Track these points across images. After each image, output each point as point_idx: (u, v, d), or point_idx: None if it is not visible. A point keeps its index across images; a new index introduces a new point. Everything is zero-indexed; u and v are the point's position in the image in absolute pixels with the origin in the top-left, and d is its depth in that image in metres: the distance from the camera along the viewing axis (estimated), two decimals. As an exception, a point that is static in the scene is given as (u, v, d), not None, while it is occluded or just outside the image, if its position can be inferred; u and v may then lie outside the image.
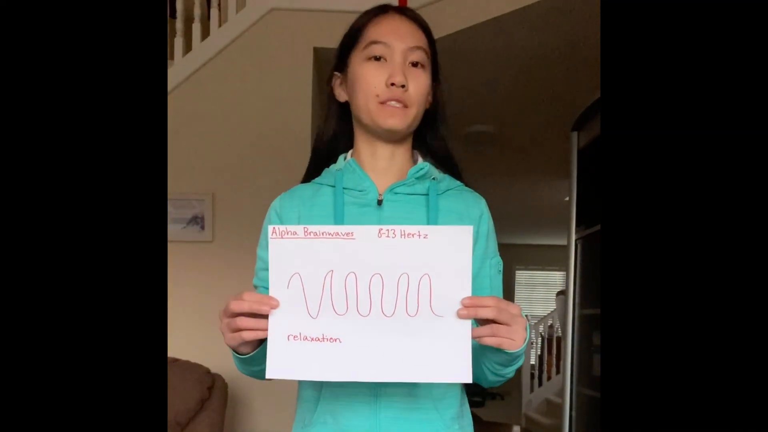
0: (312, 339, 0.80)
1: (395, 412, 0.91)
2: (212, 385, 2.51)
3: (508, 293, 9.27)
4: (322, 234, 0.80)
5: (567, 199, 2.48)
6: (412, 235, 0.79)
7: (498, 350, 0.84)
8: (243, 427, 2.90)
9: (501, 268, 1.02)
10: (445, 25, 2.74)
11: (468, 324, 0.80)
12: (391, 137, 0.99)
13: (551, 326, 6.46)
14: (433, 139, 1.05)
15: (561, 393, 2.51)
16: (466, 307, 0.79)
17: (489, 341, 0.81)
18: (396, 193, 0.98)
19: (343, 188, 0.97)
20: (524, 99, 3.60)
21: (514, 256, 9.27)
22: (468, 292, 0.79)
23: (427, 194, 0.98)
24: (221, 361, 2.68)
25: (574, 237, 2.41)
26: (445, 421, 0.93)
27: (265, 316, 0.80)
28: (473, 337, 0.80)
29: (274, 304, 0.80)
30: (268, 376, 0.82)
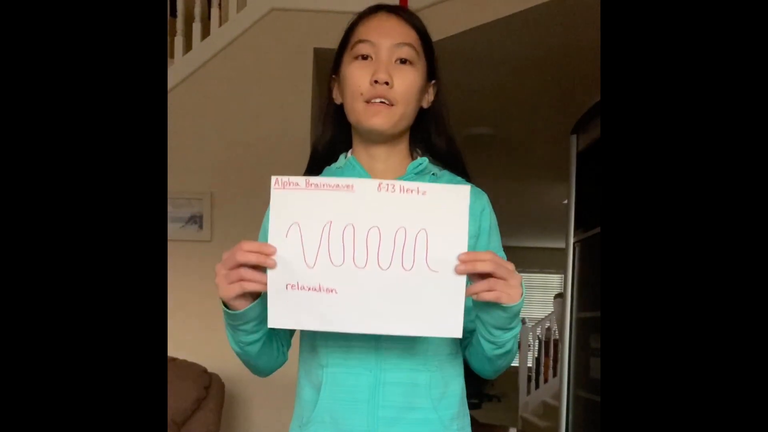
0: (309, 288, 0.80)
1: (394, 412, 0.90)
2: (209, 385, 2.51)
3: (506, 295, 9.24)
4: (323, 186, 0.80)
5: (565, 202, 2.48)
6: (411, 191, 0.80)
7: (495, 311, 0.83)
8: (240, 426, 2.90)
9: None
10: (445, 27, 2.74)
11: (462, 280, 0.80)
12: (378, 138, 0.98)
13: (548, 329, 6.46)
14: (437, 138, 1.03)
15: (558, 395, 2.51)
16: (463, 262, 0.80)
17: (486, 296, 0.81)
18: None
19: None
20: (523, 101, 3.60)
21: (512, 259, 9.21)
22: (464, 249, 0.80)
23: None
24: (218, 361, 2.68)
25: (572, 240, 2.42)
26: (443, 421, 0.93)
27: (265, 270, 0.80)
28: (470, 294, 0.81)
29: (273, 251, 0.80)
30: (270, 325, 0.82)
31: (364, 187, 0.80)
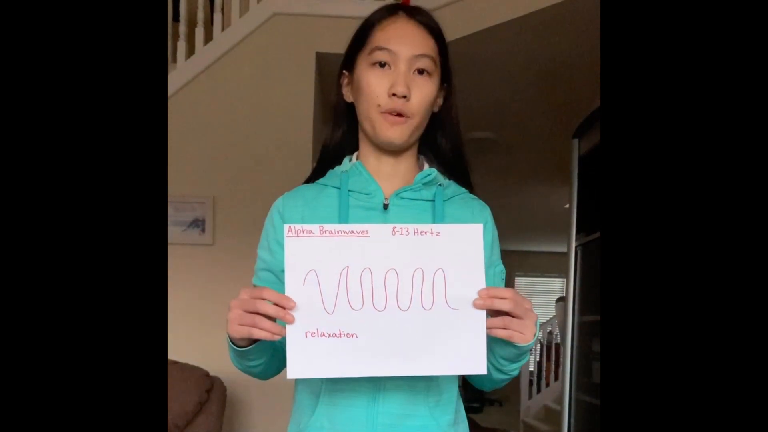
0: (329, 335, 0.80)
1: (391, 419, 0.90)
2: (211, 388, 2.51)
3: (508, 299, 9.24)
4: (338, 232, 0.81)
5: (567, 206, 2.48)
6: (425, 233, 0.82)
7: (506, 344, 0.84)
8: (241, 429, 2.89)
9: (504, 276, 1.00)
10: (447, 31, 2.74)
11: (483, 315, 0.81)
12: (391, 147, 0.98)
13: (550, 333, 6.45)
14: (444, 143, 1.02)
15: (560, 400, 2.51)
16: (482, 297, 0.80)
17: (500, 333, 0.81)
18: (402, 198, 0.96)
19: (349, 190, 0.96)
20: (525, 106, 3.61)
21: (514, 263, 9.26)
22: (483, 285, 0.81)
23: (433, 200, 0.97)
24: (220, 364, 2.68)
25: (574, 243, 2.42)
26: (441, 427, 0.93)
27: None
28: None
29: (293, 306, 0.80)
30: (289, 376, 0.81)
31: (379, 231, 0.81)
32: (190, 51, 3.11)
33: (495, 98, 3.50)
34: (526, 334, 0.82)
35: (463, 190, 1.02)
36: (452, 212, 0.97)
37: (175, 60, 3.14)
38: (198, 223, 2.94)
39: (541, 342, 6.50)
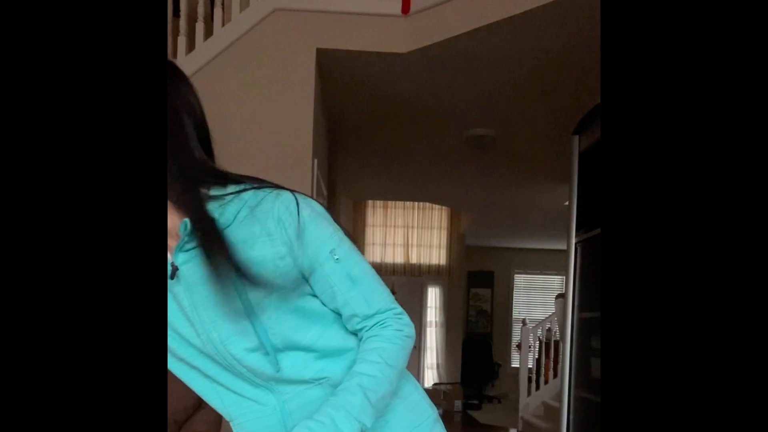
0: None
1: None
2: (210, 384, 2.51)
3: (507, 297, 9.29)
4: None
5: (566, 203, 2.48)
6: None
7: None
8: (240, 426, 2.89)
9: (339, 254, 0.86)
10: (448, 28, 2.75)
11: None
12: None
13: (549, 330, 6.45)
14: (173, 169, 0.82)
15: (558, 397, 2.51)
16: None
17: None
18: (185, 255, 0.83)
19: None
20: (525, 102, 3.60)
21: (513, 260, 9.27)
22: None
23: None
24: (220, 360, 2.68)
25: (574, 240, 2.42)
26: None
27: None
28: None
29: None
30: None
31: None
32: (191, 47, 3.10)
33: (494, 95, 3.50)
34: None
35: (245, 199, 0.86)
36: (240, 236, 0.83)
37: (175, 56, 3.13)
38: (198, 219, 2.93)
39: (540, 339, 6.51)
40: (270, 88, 3.00)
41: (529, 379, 6.40)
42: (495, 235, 8.49)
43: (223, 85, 2.99)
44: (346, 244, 0.88)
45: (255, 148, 2.97)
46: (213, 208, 0.84)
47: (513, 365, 8.61)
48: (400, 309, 0.91)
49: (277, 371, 0.86)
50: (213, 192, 0.86)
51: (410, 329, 0.90)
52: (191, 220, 0.83)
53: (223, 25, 3.06)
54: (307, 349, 0.86)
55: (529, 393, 6.37)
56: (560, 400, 2.45)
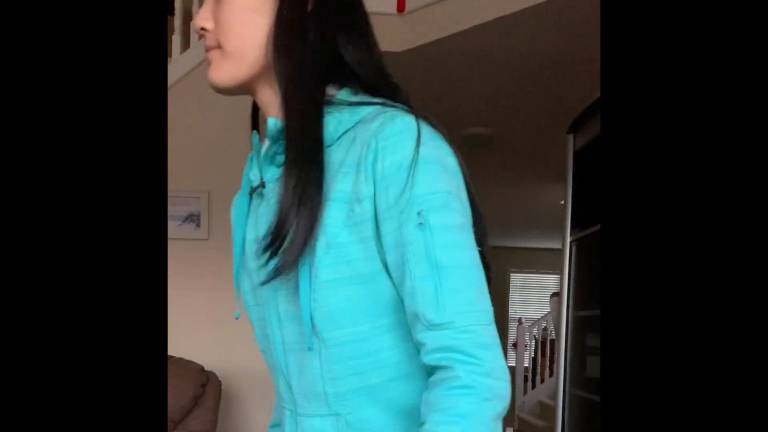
0: None
1: None
2: (206, 383, 2.51)
3: (503, 296, 9.29)
4: None
5: (562, 203, 2.49)
6: None
7: None
8: (236, 424, 2.89)
9: (431, 220, 0.62)
10: (444, 26, 2.75)
11: None
12: (228, 94, 0.79)
13: (545, 328, 6.47)
14: (352, 56, 0.71)
15: (554, 395, 2.51)
16: None
17: None
18: (277, 171, 0.74)
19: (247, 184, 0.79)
20: (521, 102, 3.61)
21: (509, 259, 9.29)
22: None
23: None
24: (215, 359, 2.68)
25: (569, 238, 2.42)
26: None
27: None
28: None
29: None
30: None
31: None
32: (185, 44, 3.10)
33: (490, 94, 3.50)
34: None
35: (364, 111, 0.69)
36: (335, 158, 0.68)
37: (170, 54, 3.13)
38: (193, 218, 2.94)
39: (536, 338, 6.52)
40: (265, 87, 2.99)
41: (525, 378, 6.42)
42: (491, 234, 8.48)
43: (218, 84, 2.98)
44: (451, 216, 0.63)
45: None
46: (330, 117, 0.69)
47: (509, 364, 8.61)
48: (487, 337, 0.62)
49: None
50: (340, 96, 0.70)
51: (493, 381, 0.61)
52: (292, 122, 0.68)
53: (218, 23, 3.05)
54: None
55: (525, 392, 6.39)
56: (556, 399, 2.46)
